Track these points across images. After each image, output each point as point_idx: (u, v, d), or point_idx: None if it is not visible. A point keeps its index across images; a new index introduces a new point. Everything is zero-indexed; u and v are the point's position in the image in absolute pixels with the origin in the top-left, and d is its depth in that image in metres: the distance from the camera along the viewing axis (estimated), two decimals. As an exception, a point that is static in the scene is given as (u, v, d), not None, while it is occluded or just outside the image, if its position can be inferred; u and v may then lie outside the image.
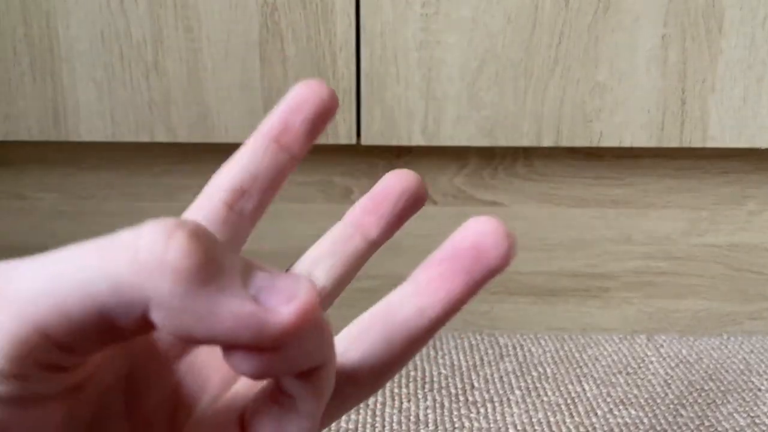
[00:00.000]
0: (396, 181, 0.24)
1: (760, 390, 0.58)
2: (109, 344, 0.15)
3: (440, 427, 0.52)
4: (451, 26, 0.56)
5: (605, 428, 0.53)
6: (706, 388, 0.58)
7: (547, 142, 0.59)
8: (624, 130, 0.59)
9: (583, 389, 0.58)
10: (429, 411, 0.54)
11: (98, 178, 0.65)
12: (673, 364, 0.62)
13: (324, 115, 0.22)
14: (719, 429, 0.53)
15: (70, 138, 0.60)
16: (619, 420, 0.54)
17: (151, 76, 0.58)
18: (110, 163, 0.65)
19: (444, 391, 0.57)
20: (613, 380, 0.59)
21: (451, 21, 0.56)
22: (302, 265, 0.23)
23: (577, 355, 0.63)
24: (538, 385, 0.58)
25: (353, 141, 0.59)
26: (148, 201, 0.65)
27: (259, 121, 0.59)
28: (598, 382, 0.59)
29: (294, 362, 0.15)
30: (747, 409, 0.55)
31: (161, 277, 0.13)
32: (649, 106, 0.58)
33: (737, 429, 0.53)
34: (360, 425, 0.53)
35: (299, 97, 0.22)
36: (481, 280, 0.18)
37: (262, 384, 0.19)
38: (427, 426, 0.53)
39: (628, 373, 0.60)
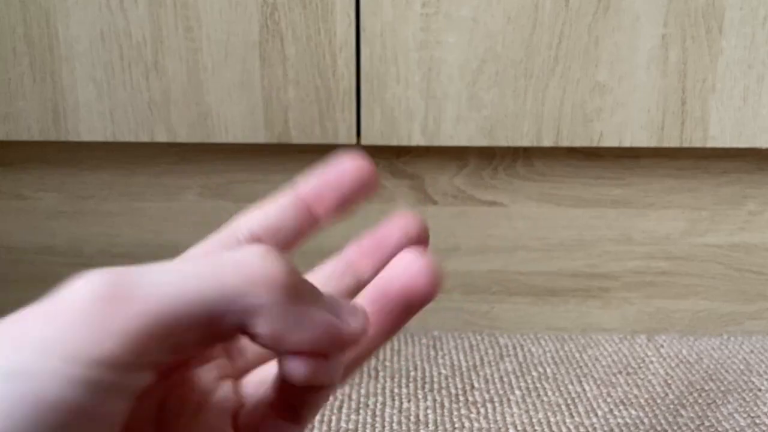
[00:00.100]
0: (399, 226, 0.24)
1: (760, 390, 0.58)
2: (205, 346, 0.17)
3: (440, 428, 0.52)
4: (451, 26, 0.56)
5: (605, 428, 0.52)
6: (707, 388, 0.58)
7: (547, 142, 0.59)
8: (624, 130, 0.59)
9: (584, 389, 0.58)
10: (429, 411, 0.54)
11: (98, 178, 0.65)
12: (673, 365, 0.62)
13: (360, 193, 0.23)
14: (719, 429, 0.53)
15: (69, 138, 0.60)
16: (620, 420, 0.54)
17: (151, 76, 0.58)
18: (110, 163, 0.65)
19: (444, 392, 0.57)
20: (614, 380, 0.59)
21: (451, 21, 0.56)
22: None
23: (577, 355, 0.63)
24: (539, 385, 0.58)
25: (353, 141, 0.59)
26: (148, 201, 0.65)
27: (259, 121, 0.59)
28: (599, 382, 0.59)
29: (330, 375, 0.18)
30: (747, 409, 0.55)
31: (268, 289, 0.16)
32: (649, 106, 0.58)
33: (737, 429, 0.53)
34: (360, 425, 0.53)
35: (341, 171, 0.23)
36: (408, 319, 0.21)
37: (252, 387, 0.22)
38: (427, 426, 0.53)
39: (628, 374, 0.60)
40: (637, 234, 0.65)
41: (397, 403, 0.56)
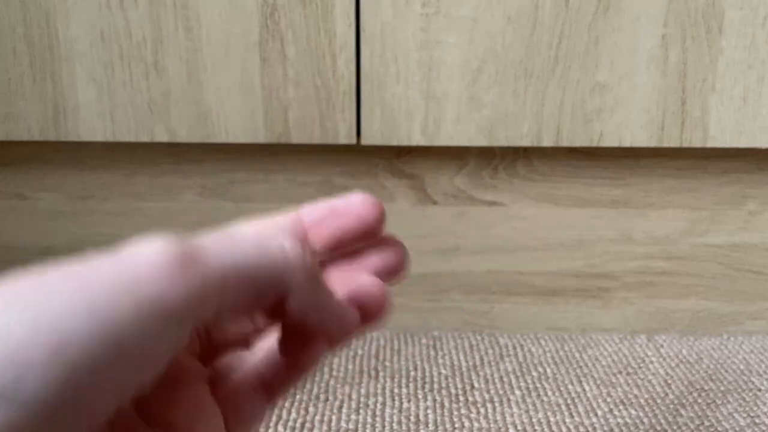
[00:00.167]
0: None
1: (760, 390, 0.58)
2: (247, 312, 0.19)
3: (440, 428, 0.52)
4: (451, 26, 0.56)
5: (605, 428, 0.53)
6: (706, 388, 0.58)
7: (547, 142, 0.59)
8: (624, 130, 0.59)
9: (583, 389, 0.58)
10: (429, 411, 0.54)
11: (98, 177, 0.65)
12: (673, 364, 0.62)
13: (361, 232, 0.24)
14: (719, 429, 0.53)
15: (70, 138, 0.60)
16: (619, 420, 0.54)
17: (151, 76, 0.58)
18: (110, 163, 0.65)
19: (444, 392, 0.57)
20: (613, 380, 0.59)
21: (451, 21, 0.56)
22: None
23: (577, 355, 0.63)
24: (538, 385, 0.58)
25: (353, 141, 0.59)
26: (148, 201, 0.65)
27: (259, 121, 0.59)
28: (598, 382, 0.59)
29: (318, 358, 0.23)
30: (747, 409, 0.55)
31: (302, 273, 0.19)
32: (649, 106, 0.58)
33: (737, 429, 0.53)
34: (360, 425, 0.53)
35: (348, 205, 0.24)
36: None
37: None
38: (427, 426, 0.53)
39: (628, 373, 0.60)
40: (637, 234, 0.65)
41: (397, 403, 0.56)
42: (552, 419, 0.53)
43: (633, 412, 0.55)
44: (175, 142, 0.60)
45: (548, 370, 0.61)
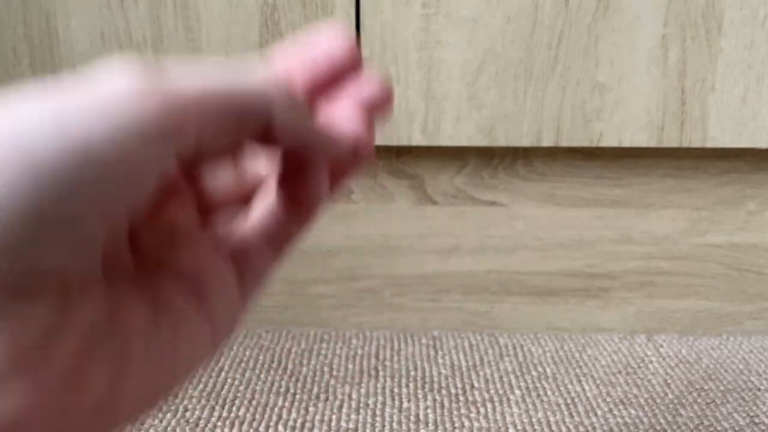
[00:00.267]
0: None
1: (759, 390, 0.58)
2: (234, 138, 0.18)
3: (440, 427, 0.52)
4: (451, 26, 0.56)
5: (605, 428, 0.53)
6: (706, 387, 0.58)
7: (546, 142, 0.59)
8: (624, 130, 0.59)
9: (583, 389, 0.58)
10: (429, 411, 0.55)
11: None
12: (672, 364, 0.62)
13: (333, 72, 0.22)
14: (718, 428, 0.53)
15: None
16: (619, 420, 0.54)
17: (151, 76, 0.58)
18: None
19: (444, 391, 0.57)
20: (613, 380, 0.59)
21: (451, 21, 0.56)
22: None
23: (576, 355, 0.63)
24: (538, 384, 0.58)
25: (353, 141, 0.59)
26: (148, 201, 0.65)
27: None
28: (598, 381, 0.59)
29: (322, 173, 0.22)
30: (746, 408, 0.55)
31: (282, 95, 0.18)
32: (649, 106, 0.58)
33: (736, 428, 0.53)
34: (360, 425, 0.53)
35: (314, 47, 0.22)
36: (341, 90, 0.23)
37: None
38: (427, 426, 0.53)
39: (627, 373, 0.60)
40: (637, 234, 0.65)
41: (397, 402, 0.56)
42: (552, 419, 0.54)
43: (633, 411, 0.55)
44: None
45: (548, 370, 0.61)
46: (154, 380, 0.18)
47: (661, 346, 0.65)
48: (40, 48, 0.58)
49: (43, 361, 0.15)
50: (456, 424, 0.53)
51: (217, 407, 0.54)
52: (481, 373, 0.60)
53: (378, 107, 0.23)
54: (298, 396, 0.56)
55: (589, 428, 0.52)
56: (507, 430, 0.52)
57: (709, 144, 0.59)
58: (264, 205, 0.23)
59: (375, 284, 0.67)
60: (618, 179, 0.64)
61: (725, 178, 0.64)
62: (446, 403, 0.55)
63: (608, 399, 0.56)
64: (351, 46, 0.22)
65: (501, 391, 0.57)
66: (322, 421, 0.53)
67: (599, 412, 0.54)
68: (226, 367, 0.60)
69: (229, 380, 0.58)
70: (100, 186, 0.15)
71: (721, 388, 0.58)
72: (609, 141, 0.59)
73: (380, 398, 0.56)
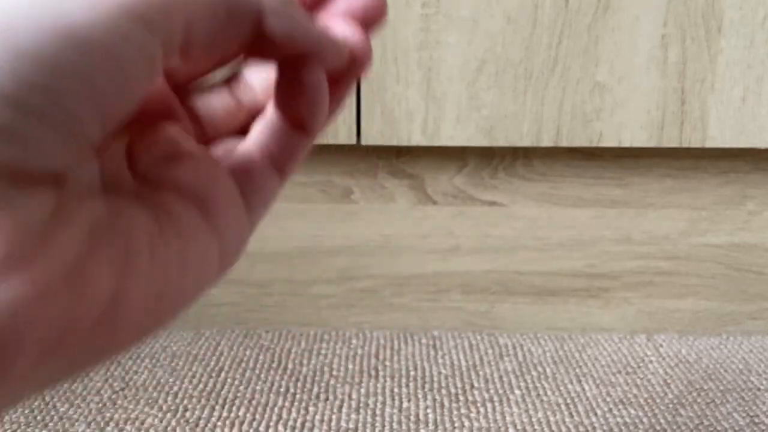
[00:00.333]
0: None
1: (759, 389, 0.58)
2: (223, 40, 0.17)
3: (440, 427, 0.53)
4: (451, 26, 0.57)
5: (605, 428, 0.53)
6: (706, 387, 0.58)
7: (546, 142, 0.59)
8: (624, 130, 0.59)
9: (583, 389, 0.58)
10: (429, 411, 0.55)
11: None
12: (672, 364, 0.62)
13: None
14: (718, 428, 0.53)
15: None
16: (619, 419, 0.54)
17: (151, 76, 0.58)
18: (111, 163, 0.65)
19: (444, 391, 0.57)
20: (613, 380, 0.59)
21: (451, 21, 0.56)
22: None
23: (576, 354, 0.63)
24: (538, 384, 0.58)
25: (353, 141, 0.60)
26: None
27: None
28: (598, 381, 0.59)
29: (322, 83, 0.21)
30: (746, 408, 0.55)
31: None
32: (649, 106, 0.58)
33: (736, 428, 0.53)
34: (360, 425, 0.53)
35: None
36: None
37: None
38: (427, 426, 0.53)
39: (627, 373, 0.60)
40: (637, 234, 0.65)
41: (397, 402, 0.56)
42: (551, 419, 0.54)
43: (632, 411, 0.55)
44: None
45: (548, 370, 0.61)
46: (160, 291, 0.17)
47: (661, 345, 0.65)
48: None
49: (42, 253, 0.14)
50: (456, 424, 0.53)
51: (217, 407, 0.55)
52: (480, 373, 0.60)
53: (372, 17, 0.22)
54: (298, 396, 0.56)
55: (589, 428, 0.53)
56: (507, 429, 0.52)
57: (709, 144, 0.59)
58: (263, 125, 0.22)
59: (375, 284, 0.67)
60: (618, 179, 0.64)
61: (725, 178, 0.64)
62: (446, 403, 0.56)
63: (608, 399, 0.56)
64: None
65: (501, 391, 0.57)
66: (322, 421, 0.53)
67: (599, 412, 0.55)
68: (226, 367, 0.60)
69: (229, 380, 0.58)
70: (86, 72, 0.14)
71: (721, 387, 0.58)
72: (609, 141, 0.59)
73: (380, 398, 0.56)
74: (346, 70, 0.22)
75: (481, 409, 0.55)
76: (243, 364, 0.61)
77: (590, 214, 0.65)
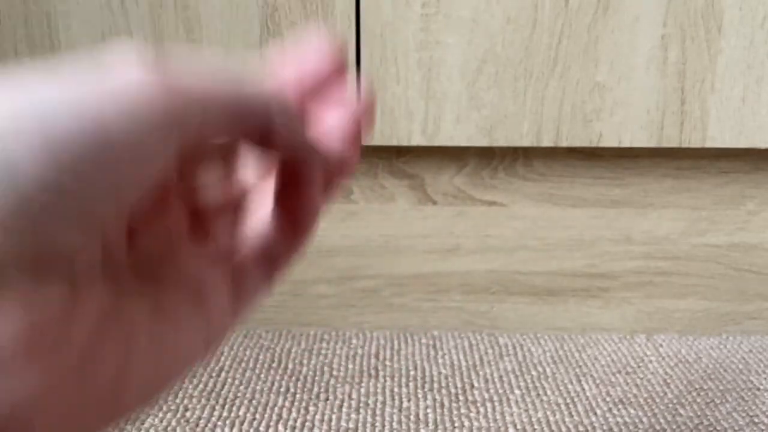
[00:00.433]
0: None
1: (758, 389, 0.58)
2: (231, 145, 0.19)
3: (440, 427, 0.53)
4: (451, 26, 0.57)
5: (604, 427, 0.53)
6: (705, 387, 0.58)
7: (546, 142, 0.59)
8: (623, 130, 0.59)
9: (583, 389, 0.58)
10: (429, 410, 0.55)
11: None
12: (672, 364, 0.62)
13: (320, 82, 0.23)
14: (718, 428, 0.53)
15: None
16: (618, 419, 0.54)
17: (151, 76, 0.58)
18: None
19: (444, 391, 0.57)
20: (613, 380, 0.59)
21: (451, 21, 0.56)
22: None
23: (576, 354, 0.64)
24: (538, 384, 0.58)
25: (353, 141, 0.60)
26: (148, 201, 0.65)
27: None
28: (598, 381, 0.59)
29: (316, 174, 0.23)
30: (746, 408, 0.55)
31: (278, 97, 0.19)
32: (649, 106, 0.58)
33: (736, 428, 0.53)
34: (360, 424, 0.53)
35: (303, 59, 0.23)
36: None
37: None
38: (427, 425, 0.53)
39: (627, 373, 0.60)
40: (637, 234, 0.66)
41: (397, 402, 0.56)
42: (551, 418, 0.54)
43: (632, 411, 0.55)
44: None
45: (548, 370, 0.61)
46: (157, 371, 0.18)
47: (661, 345, 0.65)
48: (41, 48, 0.58)
49: (57, 344, 0.15)
50: (456, 424, 0.53)
51: (217, 407, 0.55)
52: (480, 372, 0.60)
53: (361, 119, 0.24)
54: (298, 396, 0.56)
55: (589, 428, 0.53)
56: (507, 429, 0.52)
57: (709, 144, 0.59)
58: (259, 221, 0.23)
59: (375, 284, 0.67)
60: (618, 179, 0.64)
61: (725, 178, 0.64)
62: (446, 403, 0.56)
63: (608, 398, 0.56)
64: (337, 55, 0.23)
65: (501, 391, 0.57)
66: (322, 420, 0.53)
67: (599, 412, 0.55)
68: (226, 367, 0.60)
69: (229, 380, 0.58)
70: (112, 166, 0.15)
71: (721, 387, 0.58)
72: (609, 141, 0.59)
73: (380, 398, 0.56)
74: (333, 175, 0.24)
75: (481, 409, 0.55)
76: (243, 364, 0.61)
77: (590, 214, 0.65)
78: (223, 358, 0.62)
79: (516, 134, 0.59)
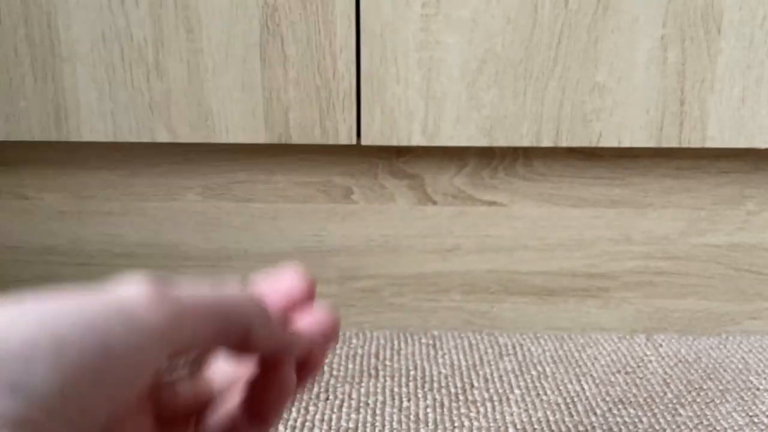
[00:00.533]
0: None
1: (758, 389, 0.58)
2: (216, 346, 0.22)
3: (440, 426, 0.53)
4: (451, 26, 0.57)
5: (604, 427, 0.53)
6: (705, 387, 0.58)
7: (546, 142, 0.59)
8: (623, 130, 0.59)
9: (582, 388, 0.58)
10: (429, 410, 0.55)
11: (99, 178, 0.65)
12: (671, 364, 0.62)
13: (292, 305, 0.28)
14: (718, 428, 0.53)
15: (71, 138, 0.60)
16: (618, 419, 0.54)
17: (151, 76, 0.58)
18: (111, 164, 0.65)
19: (444, 390, 0.57)
20: (612, 379, 0.59)
21: (451, 21, 0.57)
22: None
23: (576, 354, 0.64)
24: (538, 384, 0.59)
25: (353, 141, 0.60)
26: (149, 201, 0.65)
27: (260, 121, 0.59)
28: (597, 381, 0.59)
29: (290, 376, 0.26)
30: (746, 408, 0.55)
31: (257, 306, 0.23)
32: (648, 106, 0.58)
33: (735, 428, 0.53)
34: (360, 424, 0.53)
35: (275, 286, 0.28)
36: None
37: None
38: (427, 425, 0.53)
39: (627, 373, 0.60)
40: (636, 234, 0.66)
41: (397, 402, 0.56)
42: (551, 418, 0.54)
43: (632, 411, 0.55)
44: (176, 142, 0.60)
45: (547, 370, 0.61)
46: None
47: (661, 345, 0.65)
48: (41, 48, 0.58)
49: None
50: (456, 424, 0.53)
51: (217, 407, 0.55)
52: (480, 372, 0.60)
53: (326, 335, 0.28)
54: (298, 395, 0.56)
55: (589, 427, 0.53)
56: (507, 429, 0.52)
57: (708, 144, 0.59)
58: (222, 416, 0.26)
59: (375, 284, 0.67)
60: (617, 179, 0.64)
61: (724, 178, 0.64)
62: (446, 403, 0.56)
63: (607, 398, 0.56)
64: (307, 285, 0.28)
65: (501, 391, 0.57)
66: (322, 420, 0.53)
67: (598, 412, 0.55)
68: (226, 367, 0.60)
69: (229, 380, 0.58)
70: (112, 378, 0.17)
71: (720, 387, 0.58)
72: (608, 141, 0.59)
73: (380, 397, 0.56)
74: (308, 368, 0.27)
75: (481, 409, 0.55)
76: (243, 364, 0.61)
77: (590, 214, 0.65)
78: (223, 358, 0.62)
79: (516, 134, 0.59)
